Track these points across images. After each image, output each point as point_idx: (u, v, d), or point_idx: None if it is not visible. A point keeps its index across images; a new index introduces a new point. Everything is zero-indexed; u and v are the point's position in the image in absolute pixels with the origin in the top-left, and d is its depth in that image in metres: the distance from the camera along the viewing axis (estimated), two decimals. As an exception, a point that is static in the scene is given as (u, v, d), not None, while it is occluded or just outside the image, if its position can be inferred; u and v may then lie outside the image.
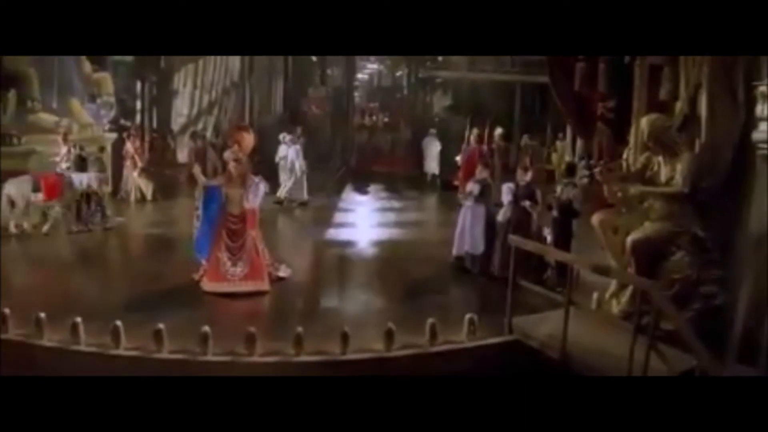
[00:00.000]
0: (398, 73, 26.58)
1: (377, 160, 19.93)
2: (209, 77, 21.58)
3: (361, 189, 17.65)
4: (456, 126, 17.19)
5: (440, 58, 20.81)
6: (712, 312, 7.29)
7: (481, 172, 9.76)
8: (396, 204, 15.88)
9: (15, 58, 14.03)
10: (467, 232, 9.49)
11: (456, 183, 14.68)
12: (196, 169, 10.26)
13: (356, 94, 27.18)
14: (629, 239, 7.05)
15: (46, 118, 15.15)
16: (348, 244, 11.92)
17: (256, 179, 9.14)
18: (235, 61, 21.59)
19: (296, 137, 15.53)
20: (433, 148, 18.47)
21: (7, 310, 7.38)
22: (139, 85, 19.95)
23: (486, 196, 9.51)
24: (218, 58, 21.43)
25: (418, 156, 19.79)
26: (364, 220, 14.04)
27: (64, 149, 13.90)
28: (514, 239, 7.46)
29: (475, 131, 14.96)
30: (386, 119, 21.63)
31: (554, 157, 16.68)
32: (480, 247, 9.34)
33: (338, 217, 14.30)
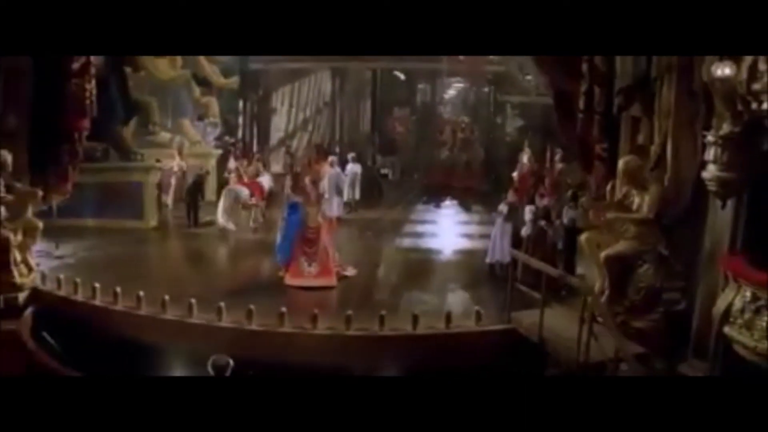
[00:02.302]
0: (485, 89, 28.73)
1: (453, 175, 22.34)
2: (304, 97, 24.90)
3: (433, 203, 20.30)
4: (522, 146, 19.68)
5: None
6: (675, 315, 9.65)
7: (511, 196, 12.43)
8: (461, 218, 18.48)
9: (139, 90, 17.80)
10: (497, 245, 12.14)
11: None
12: (286, 183, 13.36)
13: (447, 108, 29.85)
14: (602, 254, 9.57)
15: (163, 135, 18.83)
16: (409, 251, 14.80)
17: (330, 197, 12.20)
18: (327, 83, 24.83)
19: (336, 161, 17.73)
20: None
21: (141, 293, 10.68)
22: (241, 104, 23.45)
23: (513, 215, 12.13)
24: (312, 79, 24.73)
25: (491, 172, 22.26)
26: (427, 232, 16.74)
27: (175, 162, 17.51)
28: (512, 252, 10.15)
29: (529, 152, 17.45)
30: (468, 135, 24.06)
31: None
32: (507, 257, 11.91)
33: (407, 227, 17.13)
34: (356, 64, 22.74)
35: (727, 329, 8.26)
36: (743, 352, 8.09)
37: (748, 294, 7.97)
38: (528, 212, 11.81)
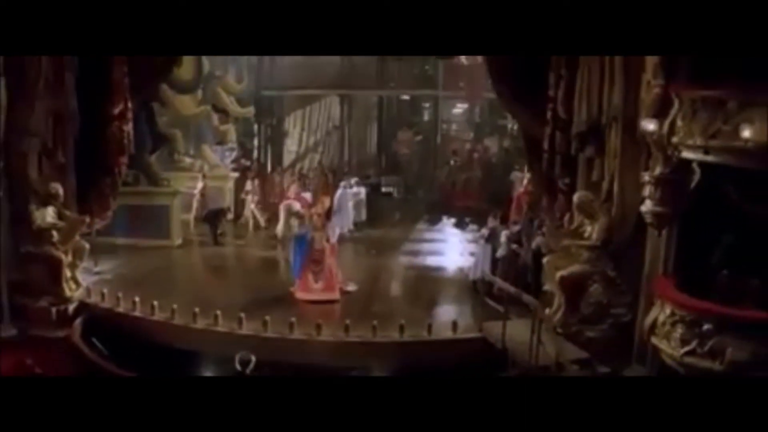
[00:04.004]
0: (486, 111, 30.55)
1: (453, 195, 24.11)
2: (314, 121, 27.11)
3: (432, 222, 22.27)
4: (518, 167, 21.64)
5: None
6: (621, 326, 11.69)
7: (491, 221, 14.55)
8: (457, 236, 20.25)
9: (165, 123, 20.11)
10: (479, 264, 14.22)
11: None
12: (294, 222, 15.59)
13: (451, 128, 31.85)
14: (557, 274, 11.66)
15: (186, 160, 21.16)
16: (405, 268, 16.94)
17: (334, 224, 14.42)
18: (336, 107, 27.04)
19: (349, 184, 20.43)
20: (517, 183, 22.54)
21: (175, 305, 12.85)
22: (256, 127, 25.67)
23: (493, 238, 14.21)
24: (322, 105, 26.96)
25: (489, 192, 24.07)
26: (424, 250, 18.73)
27: (200, 184, 19.83)
28: (485, 272, 12.28)
29: (528, 174, 19.48)
30: (468, 156, 26.06)
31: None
32: (488, 274, 14.00)
33: (407, 246, 19.16)
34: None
35: (653, 339, 10.33)
36: (665, 359, 10.15)
37: (668, 310, 10.02)
38: (503, 236, 13.90)
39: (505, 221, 15.05)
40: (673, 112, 10.02)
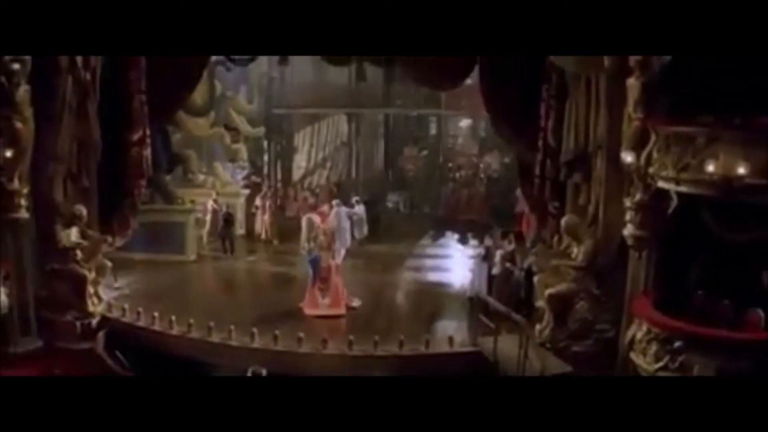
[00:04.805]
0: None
1: (457, 209, 24.89)
2: (323, 137, 28.15)
3: (436, 237, 23.15)
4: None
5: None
6: (605, 342, 12.63)
7: (488, 240, 15.53)
8: (459, 252, 21.01)
9: (179, 144, 21.22)
10: (475, 281, 15.19)
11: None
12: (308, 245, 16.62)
13: (457, 143, 32.77)
14: (546, 292, 12.65)
15: (199, 177, 22.26)
16: (408, 284, 17.94)
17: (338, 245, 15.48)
18: (344, 124, 28.06)
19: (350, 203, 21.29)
20: (522, 199, 23.28)
21: (192, 320, 13.86)
22: (266, 144, 26.66)
23: (489, 257, 15.19)
24: (331, 122, 28.01)
25: (492, 207, 24.91)
26: (427, 266, 19.69)
27: (210, 203, 20.93)
28: (478, 292, 13.26)
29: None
30: (473, 171, 26.97)
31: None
32: (482, 292, 14.94)
33: (411, 261, 20.16)
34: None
35: (632, 354, 11.29)
36: (642, 373, 11.08)
37: (645, 328, 10.98)
38: (497, 255, 14.88)
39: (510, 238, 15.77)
40: (650, 144, 11.00)
